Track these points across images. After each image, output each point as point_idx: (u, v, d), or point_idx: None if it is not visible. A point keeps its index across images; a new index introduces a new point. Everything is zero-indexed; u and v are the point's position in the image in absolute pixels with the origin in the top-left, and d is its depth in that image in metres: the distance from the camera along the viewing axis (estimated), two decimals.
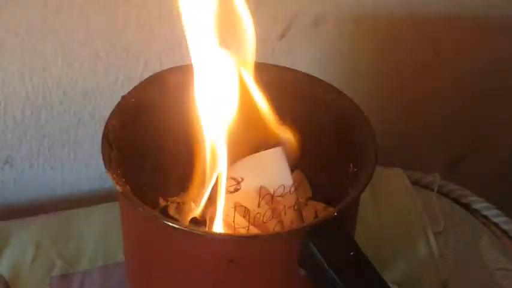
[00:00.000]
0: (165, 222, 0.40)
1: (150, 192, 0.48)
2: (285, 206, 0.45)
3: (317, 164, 0.48)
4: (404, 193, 0.61)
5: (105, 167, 0.42)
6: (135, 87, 0.47)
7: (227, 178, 0.43)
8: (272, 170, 0.44)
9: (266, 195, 0.44)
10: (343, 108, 0.47)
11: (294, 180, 0.46)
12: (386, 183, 0.61)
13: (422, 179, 0.64)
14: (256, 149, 0.45)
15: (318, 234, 0.39)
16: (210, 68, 0.42)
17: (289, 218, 0.45)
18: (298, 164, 0.48)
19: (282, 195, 0.44)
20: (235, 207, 0.43)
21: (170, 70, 0.47)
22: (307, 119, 0.48)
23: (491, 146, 0.75)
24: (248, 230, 0.44)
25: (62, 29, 0.57)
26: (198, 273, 0.42)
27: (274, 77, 0.46)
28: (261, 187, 0.44)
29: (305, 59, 0.63)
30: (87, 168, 0.64)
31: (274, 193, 0.44)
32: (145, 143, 0.47)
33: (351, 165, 0.45)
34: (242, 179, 0.44)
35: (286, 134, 0.45)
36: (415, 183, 0.63)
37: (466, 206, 0.63)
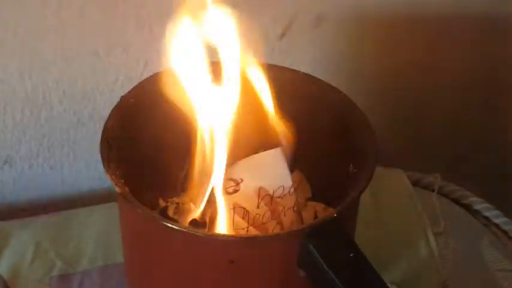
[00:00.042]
0: (164, 223, 0.40)
1: (149, 192, 0.48)
2: (284, 207, 0.44)
3: (317, 164, 0.48)
4: (404, 194, 0.61)
5: (104, 168, 0.41)
6: (134, 88, 0.47)
7: (226, 179, 0.42)
8: (271, 171, 0.44)
9: (265, 196, 0.44)
10: (343, 108, 0.47)
11: (294, 181, 0.46)
12: (386, 183, 0.61)
13: (422, 180, 0.64)
14: (256, 150, 0.45)
15: (317, 235, 0.39)
16: (209, 68, 0.42)
17: (288, 219, 0.45)
18: (298, 164, 0.48)
19: (281, 196, 0.44)
20: (234, 208, 0.43)
21: (170, 70, 0.47)
22: (307, 119, 0.48)
23: (492, 146, 0.74)
24: (247, 231, 0.43)
25: (61, 29, 0.57)
26: (197, 274, 0.42)
27: (274, 77, 0.46)
28: (260, 188, 0.44)
29: (305, 59, 0.63)
30: (86, 168, 0.64)
31: (273, 194, 0.44)
32: (145, 143, 0.47)
33: (351, 165, 0.45)
34: (241, 180, 0.44)
35: (285, 134, 0.45)
36: (415, 183, 0.63)
37: (467, 207, 0.63)
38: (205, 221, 0.45)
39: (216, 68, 0.43)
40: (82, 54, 0.58)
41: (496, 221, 0.61)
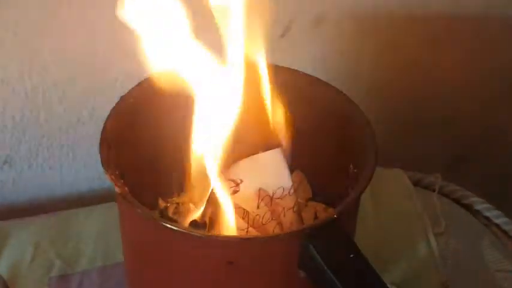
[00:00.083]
0: (164, 224, 0.39)
1: (149, 192, 0.48)
2: (284, 207, 0.44)
3: (317, 164, 0.48)
4: (405, 194, 0.61)
5: (103, 168, 0.41)
6: (133, 88, 0.47)
7: (226, 180, 0.42)
8: (271, 172, 0.44)
9: (265, 197, 0.44)
10: (343, 108, 0.47)
11: (294, 181, 0.46)
12: (386, 183, 0.61)
13: (423, 180, 0.64)
14: (255, 151, 0.45)
15: (317, 236, 0.39)
16: (209, 69, 0.42)
17: (288, 219, 0.44)
18: (298, 164, 0.48)
19: (281, 197, 0.44)
20: (234, 209, 0.43)
21: (170, 70, 0.47)
22: (307, 119, 0.48)
23: (493, 146, 0.74)
24: (247, 231, 0.43)
25: (61, 28, 0.56)
26: (197, 274, 0.42)
27: (274, 77, 0.46)
28: (260, 189, 0.44)
29: (305, 59, 0.63)
30: (86, 168, 0.64)
31: (273, 195, 0.44)
32: (144, 143, 0.47)
33: (351, 165, 0.45)
34: (241, 181, 0.43)
35: (285, 134, 0.45)
36: (416, 183, 0.63)
37: (467, 207, 0.63)
38: (205, 222, 0.45)
39: (216, 67, 0.43)
40: (82, 54, 0.58)
41: (497, 221, 0.61)
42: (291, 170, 0.45)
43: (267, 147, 0.45)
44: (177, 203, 0.49)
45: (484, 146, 0.74)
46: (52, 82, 0.59)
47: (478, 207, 0.62)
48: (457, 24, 0.66)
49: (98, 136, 0.43)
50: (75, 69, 0.59)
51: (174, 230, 0.39)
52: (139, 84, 0.47)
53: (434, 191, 0.63)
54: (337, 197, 0.43)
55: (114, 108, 0.45)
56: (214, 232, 0.43)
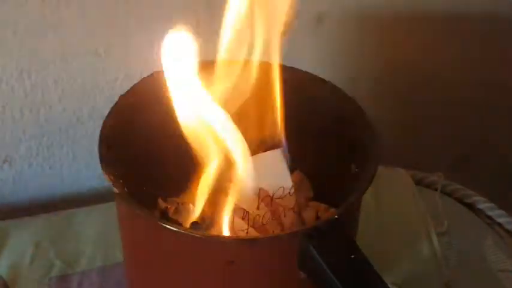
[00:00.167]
0: (164, 225, 0.39)
1: (149, 192, 0.47)
2: (284, 208, 0.44)
3: (319, 164, 0.48)
4: (407, 193, 0.61)
5: (102, 168, 0.41)
6: (133, 87, 0.46)
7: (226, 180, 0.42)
8: (271, 172, 0.44)
9: (265, 197, 0.44)
10: (345, 107, 0.47)
11: (295, 181, 0.46)
12: (388, 183, 0.61)
13: (425, 179, 0.64)
14: (255, 151, 0.45)
15: (318, 236, 0.39)
16: (210, 68, 0.42)
17: (289, 220, 0.44)
18: (299, 164, 0.47)
19: (281, 197, 0.44)
20: (234, 210, 0.43)
21: (170, 69, 0.47)
22: (308, 118, 0.47)
23: (495, 145, 0.74)
24: (247, 232, 0.43)
25: (60, 27, 0.56)
26: (197, 275, 0.42)
27: (275, 76, 0.46)
28: (260, 189, 0.44)
29: (307, 58, 0.62)
30: (86, 167, 0.64)
31: (273, 195, 0.44)
32: (144, 142, 0.47)
33: (353, 165, 0.45)
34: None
35: (285, 134, 0.44)
36: (418, 183, 0.63)
37: (470, 206, 0.63)
38: (206, 222, 0.45)
39: (216, 67, 0.43)
40: (81, 53, 0.58)
41: (500, 220, 0.61)
42: (291, 170, 0.45)
43: (267, 147, 0.45)
44: (178, 203, 0.49)
45: (486, 145, 0.74)
46: (52, 81, 0.59)
47: (481, 206, 0.62)
48: (458, 24, 0.65)
49: (98, 136, 0.43)
50: (74, 68, 0.58)
51: (174, 230, 0.39)
52: (138, 84, 0.47)
53: (436, 190, 0.62)
54: (339, 197, 0.43)
55: (113, 107, 0.45)
56: (214, 233, 0.43)
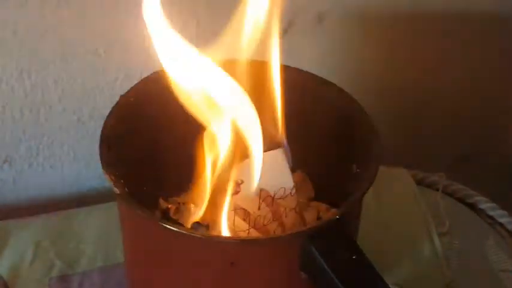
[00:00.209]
0: (165, 225, 0.39)
1: (150, 192, 0.47)
2: (285, 208, 0.44)
3: (320, 164, 0.48)
4: (408, 193, 0.61)
5: (103, 169, 0.41)
6: (133, 86, 0.46)
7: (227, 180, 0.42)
8: (272, 172, 0.44)
9: (266, 198, 0.44)
10: (346, 107, 0.46)
11: (296, 181, 0.45)
12: (390, 183, 0.61)
13: (426, 179, 0.63)
14: None
15: (319, 237, 0.39)
16: (213, 67, 0.42)
17: (290, 220, 0.44)
18: (301, 164, 0.47)
19: (282, 198, 0.44)
20: (235, 210, 0.43)
21: (170, 69, 0.47)
22: (309, 118, 0.47)
23: (497, 145, 0.74)
24: (248, 233, 0.43)
25: (60, 27, 0.56)
26: (197, 276, 0.42)
27: (276, 76, 0.45)
28: (261, 189, 0.43)
29: (307, 57, 0.62)
30: (86, 167, 0.64)
31: (274, 195, 0.44)
32: (145, 142, 0.47)
33: (354, 165, 0.45)
34: (242, 181, 0.43)
35: (287, 134, 0.44)
36: (419, 183, 0.63)
37: (471, 206, 0.62)
38: (207, 223, 0.45)
39: (217, 67, 0.43)
40: (81, 53, 0.58)
41: (501, 220, 0.61)
42: (293, 170, 0.45)
43: (269, 147, 0.44)
44: (179, 203, 0.49)
45: (490, 146, 0.74)
46: (52, 81, 0.59)
47: (482, 206, 0.62)
48: (458, 24, 0.65)
49: (99, 135, 0.43)
50: (74, 68, 0.58)
51: (175, 231, 0.39)
52: (139, 84, 0.47)
53: (438, 190, 0.62)
54: (340, 197, 0.43)
55: (113, 107, 0.45)
56: (215, 233, 0.43)
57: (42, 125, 0.61)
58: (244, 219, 0.43)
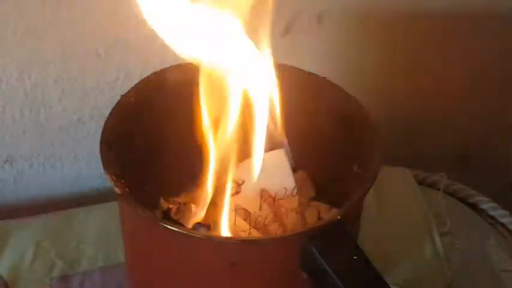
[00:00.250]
0: (165, 225, 0.39)
1: (150, 192, 0.47)
2: (287, 208, 0.44)
3: (321, 163, 0.48)
4: (409, 193, 0.61)
5: (104, 169, 0.41)
6: (134, 86, 0.46)
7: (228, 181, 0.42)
8: (274, 172, 0.44)
9: (267, 198, 0.44)
10: (347, 108, 0.46)
11: (297, 181, 0.45)
12: (391, 182, 0.61)
13: (428, 179, 0.63)
14: None
15: (320, 237, 0.38)
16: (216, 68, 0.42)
17: (291, 220, 0.44)
18: (302, 164, 0.47)
19: (283, 198, 0.44)
20: (236, 210, 0.43)
21: (170, 68, 0.47)
22: (311, 118, 0.47)
23: (498, 145, 0.74)
24: (249, 233, 0.43)
25: (61, 27, 0.56)
26: (198, 276, 0.42)
27: (277, 76, 0.45)
28: (262, 189, 0.43)
29: (307, 57, 0.62)
30: (87, 167, 0.64)
31: (275, 196, 0.44)
32: (145, 142, 0.47)
33: (355, 165, 0.45)
34: (243, 182, 0.43)
35: (288, 134, 0.44)
36: (420, 182, 0.63)
37: (473, 206, 0.62)
38: (209, 223, 0.44)
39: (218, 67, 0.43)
40: (82, 53, 0.58)
41: (502, 220, 0.61)
42: (294, 170, 0.45)
43: (270, 147, 0.44)
44: (179, 203, 0.48)
45: (491, 146, 0.74)
46: (52, 81, 0.59)
47: (484, 206, 0.62)
48: (458, 23, 0.65)
49: (99, 135, 0.43)
50: (75, 68, 0.58)
51: (175, 231, 0.39)
52: (139, 83, 0.47)
53: (439, 189, 0.62)
54: (342, 197, 0.43)
55: (114, 107, 0.45)
56: (216, 233, 0.43)
57: (43, 125, 0.61)
58: (245, 220, 0.43)
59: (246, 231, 0.43)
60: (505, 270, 0.56)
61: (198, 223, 0.44)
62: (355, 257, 0.38)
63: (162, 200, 0.49)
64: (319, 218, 0.47)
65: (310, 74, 0.48)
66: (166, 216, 0.48)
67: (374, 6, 0.62)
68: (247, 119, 0.42)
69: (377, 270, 0.38)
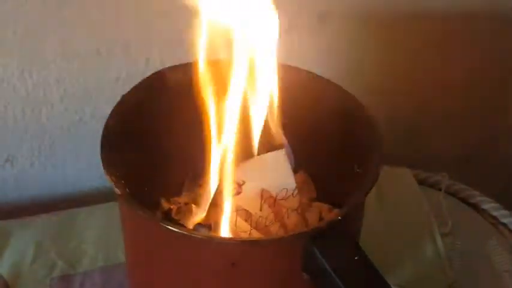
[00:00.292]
0: (166, 226, 0.39)
1: (151, 192, 0.47)
2: (287, 209, 0.44)
3: (322, 164, 0.48)
4: (410, 193, 0.61)
5: (104, 169, 0.41)
6: (135, 86, 0.46)
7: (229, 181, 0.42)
8: (274, 173, 0.44)
9: (268, 199, 0.43)
10: (347, 107, 0.46)
11: (298, 181, 0.45)
12: (392, 182, 0.61)
13: (429, 179, 0.63)
14: (258, 151, 0.45)
15: (321, 238, 0.38)
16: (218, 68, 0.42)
17: (292, 221, 0.44)
18: (302, 164, 0.47)
19: (284, 198, 0.44)
20: (237, 211, 0.43)
21: (171, 68, 0.47)
22: (312, 118, 0.47)
23: (500, 145, 0.74)
24: (250, 233, 0.43)
25: (62, 27, 0.56)
26: (199, 276, 0.42)
27: (278, 76, 0.45)
28: (263, 190, 0.43)
29: (308, 56, 0.62)
30: (88, 166, 0.64)
31: (276, 196, 0.44)
32: (146, 142, 0.47)
33: (356, 166, 0.45)
34: (243, 182, 0.43)
35: (288, 135, 0.44)
36: (422, 182, 0.63)
37: (474, 206, 0.62)
38: (209, 223, 0.44)
39: (218, 67, 0.43)
40: (83, 53, 0.58)
41: (504, 220, 0.61)
42: (295, 170, 0.45)
43: (270, 148, 0.44)
44: (180, 203, 0.48)
45: (492, 146, 0.73)
46: (53, 81, 0.59)
47: (485, 206, 0.62)
48: (458, 24, 0.65)
49: (100, 135, 0.43)
50: (76, 67, 0.58)
51: (176, 232, 0.39)
52: (140, 83, 0.46)
53: (440, 190, 0.62)
54: (343, 198, 0.43)
55: (115, 107, 0.45)
56: (217, 234, 0.43)
57: (44, 125, 0.61)
58: (246, 220, 0.43)
59: (247, 231, 0.43)
60: (506, 271, 0.56)
61: (199, 224, 0.44)
62: (356, 257, 0.38)
63: (162, 200, 0.49)
64: (320, 219, 0.47)
65: (310, 73, 0.48)
66: (167, 216, 0.48)
67: (374, 7, 0.62)
68: (247, 119, 0.42)
69: (378, 271, 0.38)
